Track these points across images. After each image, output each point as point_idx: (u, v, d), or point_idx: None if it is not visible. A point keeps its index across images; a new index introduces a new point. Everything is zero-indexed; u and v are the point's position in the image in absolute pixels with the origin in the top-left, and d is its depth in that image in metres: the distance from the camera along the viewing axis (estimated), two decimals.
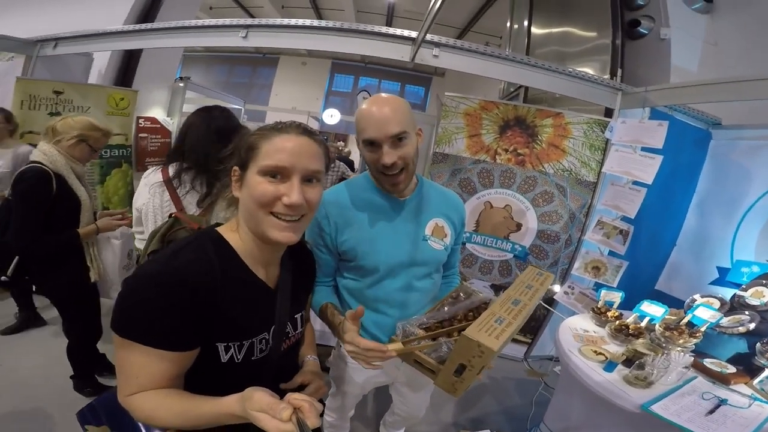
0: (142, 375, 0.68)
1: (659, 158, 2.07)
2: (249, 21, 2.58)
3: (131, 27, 2.94)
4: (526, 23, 4.00)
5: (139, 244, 1.58)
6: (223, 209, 0.89)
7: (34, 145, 1.78)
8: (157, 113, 4.29)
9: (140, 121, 3.68)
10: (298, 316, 0.91)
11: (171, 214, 1.28)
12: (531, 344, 2.96)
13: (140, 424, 0.84)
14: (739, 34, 2.80)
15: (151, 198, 1.43)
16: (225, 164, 0.81)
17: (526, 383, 2.65)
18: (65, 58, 3.29)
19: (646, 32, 3.07)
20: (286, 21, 2.52)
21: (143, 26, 2.90)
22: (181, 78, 4.86)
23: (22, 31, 3.16)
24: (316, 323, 1.14)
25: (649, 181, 2.08)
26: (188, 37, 2.77)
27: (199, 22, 2.69)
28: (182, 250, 0.71)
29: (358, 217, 1.13)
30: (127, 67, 3.83)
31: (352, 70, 12.20)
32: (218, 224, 0.83)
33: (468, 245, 2.77)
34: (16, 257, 1.73)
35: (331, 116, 9.01)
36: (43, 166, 1.62)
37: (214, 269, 0.71)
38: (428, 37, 2.31)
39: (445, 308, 1.09)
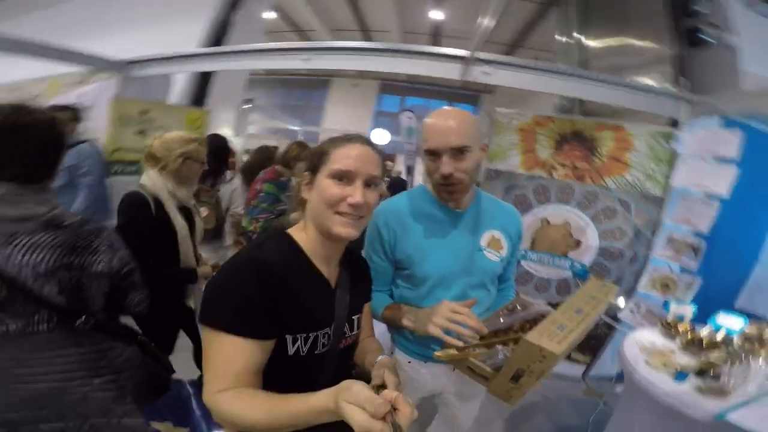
0: (231, 369, 0.72)
1: (735, 169, 1.95)
2: (310, 44, 2.74)
3: (206, 50, 3.20)
4: (577, 36, 3.94)
5: None
6: None
7: None
8: (225, 132, 4.64)
9: None
10: (355, 317, 0.96)
11: None
12: (590, 364, 2.81)
13: (202, 420, 0.92)
14: None
15: None
16: None
17: (582, 403, 2.52)
18: (148, 79, 3.56)
19: (709, 40, 2.91)
20: (342, 44, 2.66)
21: (217, 49, 3.15)
22: (246, 100, 5.26)
23: (113, 52, 3.44)
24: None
25: (725, 194, 1.96)
26: (254, 60, 2.97)
27: (264, 46, 2.88)
28: (263, 244, 0.82)
29: (415, 227, 1.17)
30: (201, 88, 4.17)
31: (399, 90, 12.44)
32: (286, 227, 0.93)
33: (523, 262, 2.72)
34: None
35: (380, 136, 9.23)
36: (142, 192, 1.56)
37: (288, 260, 0.81)
38: (478, 54, 2.34)
39: (501, 319, 1.08)
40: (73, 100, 3.71)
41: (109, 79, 3.55)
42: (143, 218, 1.52)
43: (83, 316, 1.08)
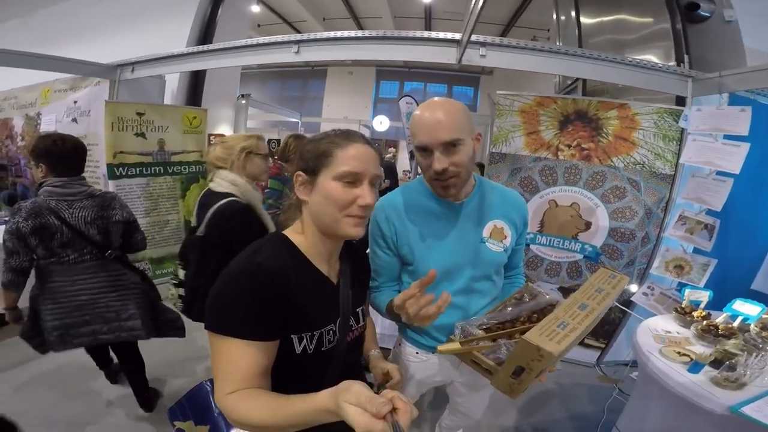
0: (237, 371, 0.73)
1: (746, 146, 1.89)
2: (300, 36, 2.67)
3: (197, 49, 3.13)
4: (573, 13, 3.82)
5: None
6: None
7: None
8: (224, 129, 4.59)
9: (211, 138, 3.94)
10: (359, 309, 0.96)
11: None
12: (604, 349, 2.79)
13: (220, 417, 0.92)
14: None
15: None
16: None
17: (598, 389, 2.51)
18: (142, 81, 3.53)
19: (708, 15, 2.78)
20: (333, 34, 2.59)
21: (206, 47, 3.08)
22: (242, 95, 5.20)
23: (102, 57, 3.43)
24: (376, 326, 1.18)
25: (736, 171, 1.90)
26: (245, 56, 2.92)
27: (254, 41, 2.82)
28: (261, 249, 0.82)
29: (414, 222, 1.14)
30: (195, 88, 4.14)
31: (396, 75, 12.30)
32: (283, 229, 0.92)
33: (532, 246, 2.68)
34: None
35: (381, 123, 9.15)
36: (240, 200, 1.58)
37: (287, 264, 0.80)
38: (473, 37, 2.27)
39: (508, 309, 1.06)
40: (67, 105, 3.72)
41: (100, 83, 3.53)
42: (248, 223, 1.58)
43: (109, 251, 1.80)
